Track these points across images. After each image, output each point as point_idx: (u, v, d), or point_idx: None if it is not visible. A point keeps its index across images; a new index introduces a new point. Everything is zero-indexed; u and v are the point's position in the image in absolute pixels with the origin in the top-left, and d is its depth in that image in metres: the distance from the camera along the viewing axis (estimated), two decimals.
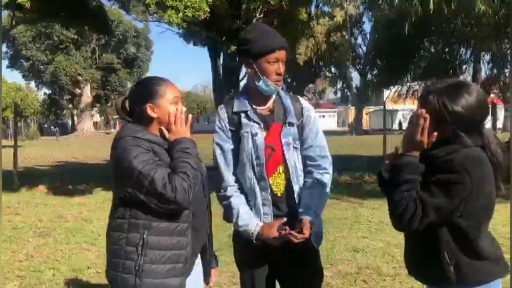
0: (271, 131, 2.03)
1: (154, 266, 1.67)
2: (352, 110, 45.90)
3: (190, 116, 1.82)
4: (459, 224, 1.56)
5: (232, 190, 2.04)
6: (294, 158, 2.02)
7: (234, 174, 2.05)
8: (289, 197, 2.03)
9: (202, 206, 1.90)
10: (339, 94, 45.08)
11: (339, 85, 42.62)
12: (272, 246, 1.96)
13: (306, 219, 1.95)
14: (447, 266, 1.57)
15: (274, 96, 2.07)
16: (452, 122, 1.56)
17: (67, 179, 9.83)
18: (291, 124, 2.03)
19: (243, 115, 2.02)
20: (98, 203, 7.56)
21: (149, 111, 1.77)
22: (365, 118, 43.94)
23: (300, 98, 2.16)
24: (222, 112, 2.08)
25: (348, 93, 42.14)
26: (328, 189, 2.08)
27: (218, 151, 2.06)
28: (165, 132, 1.79)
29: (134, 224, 1.69)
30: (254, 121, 2.01)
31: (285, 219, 1.98)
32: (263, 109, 2.05)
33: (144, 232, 1.67)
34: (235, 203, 2.02)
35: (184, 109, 1.81)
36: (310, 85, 46.46)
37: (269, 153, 2.00)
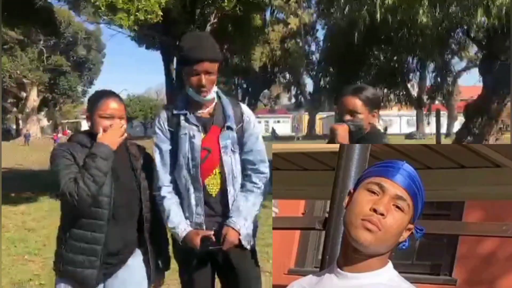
0: (209, 133, 2.08)
1: (70, 255, 1.90)
2: (306, 116, 46.76)
3: (123, 127, 1.99)
4: None
5: (165, 190, 2.09)
6: (231, 161, 2.08)
7: (171, 174, 2.10)
8: (223, 198, 2.09)
9: (132, 198, 2.01)
10: (293, 100, 45.80)
11: (294, 91, 43.34)
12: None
13: (229, 229, 2.02)
14: None
15: (214, 101, 2.12)
16: None
17: (11, 187, 9.32)
18: (229, 128, 2.08)
19: (182, 117, 2.08)
20: (44, 211, 7.23)
21: (87, 120, 2.01)
22: (318, 123, 44.90)
23: (240, 103, 2.22)
24: (163, 113, 2.16)
25: (302, 99, 42.92)
26: (263, 194, 2.14)
27: (156, 152, 2.12)
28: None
29: (65, 218, 1.97)
30: (193, 124, 2.07)
31: (211, 232, 2.03)
32: (202, 112, 2.10)
33: (68, 225, 1.92)
34: (166, 204, 2.08)
35: (123, 124, 1.98)
36: (265, 91, 46.91)
37: (205, 155, 2.05)
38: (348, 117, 1.99)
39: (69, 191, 1.79)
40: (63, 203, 1.94)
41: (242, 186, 2.12)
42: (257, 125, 2.21)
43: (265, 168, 2.15)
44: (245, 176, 2.14)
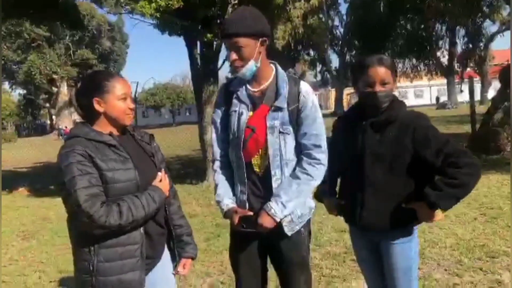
0: (257, 112, 2.02)
1: (107, 264, 1.70)
2: (332, 92, 46.03)
3: (160, 173, 1.88)
4: None
5: (217, 164, 2.14)
6: (278, 142, 1.99)
7: (225, 149, 2.12)
8: (266, 180, 2.02)
9: None
10: (319, 77, 45.10)
11: (319, 68, 42.61)
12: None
13: (263, 213, 1.97)
14: None
15: (271, 78, 2.04)
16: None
17: (49, 180, 9.64)
18: (279, 109, 1.99)
19: (235, 94, 2.07)
20: None
21: (96, 105, 1.77)
22: (346, 99, 44.18)
23: (301, 82, 2.06)
24: (221, 89, 2.18)
25: (328, 76, 42.21)
26: (315, 181, 2.01)
27: (213, 126, 2.16)
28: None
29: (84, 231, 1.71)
30: (243, 101, 2.04)
31: (250, 212, 2.00)
32: (255, 91, 2.05)
33: (92, 236, 1.69)
34: (216, 178, 2.12)
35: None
36: (290, 69, 46.38)
37: (249, 134, 2.01)
38: (381, 88, 1.94)
39: (93, 212, 1.60)
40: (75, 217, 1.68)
41: (294, 170, 2.01)
42: (316, 107, 2.03)
43: (318, 153, 1.99)
44: (298, 161, 2.02)
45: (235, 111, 2.04)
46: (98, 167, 1.68)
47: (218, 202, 2.08)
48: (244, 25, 1.92)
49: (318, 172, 2.00)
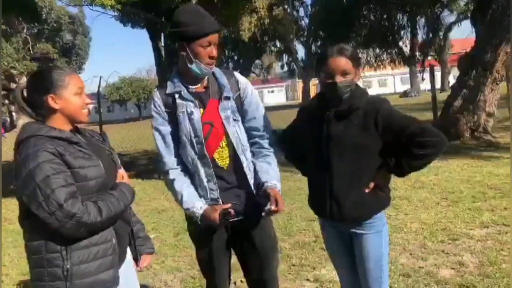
0: (207, 107, 2.03)
1: (83, 266, 1.62)
2: (300, 83, 46.34)
3: (120, 171, 1.84)
4: None
5: (174, 173, 2.06)
6: (236, 130, 2.05)
7: (176, 155, 2.06)
8: (236, 168, 2.05)
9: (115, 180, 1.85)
10: (286, 68, 45.26)
11: (285, 59, 42.76)
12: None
13: (274, 190, 1.99)
14: None
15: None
16: None
17: (8, 179, 9.27)
18: (227, 98, 2.04)
19: (177, 95, 2.02)
20: None
21: (51, 102, 1.69)
22: (313, 89, 44.60)
23: (234, 72, 2.17)
24: (156, 95, 2.08)
25: (295, 66, 42.46)
26: (276, 155, 2.15)
27: (157, 136, 2.06)
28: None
29: (51, 235, 1.60)
30: (189, 100, 2.01)
31: (229, 205, 2.00)
32: (197, 87, 2.05)
33: (61, 239, 1.60)
34: (177, 186, 2.05)
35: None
36: (257, 61, 46.31)
37: (209, 129, 2.02)
38: (341, 78, 1.93)
39: (77, 210, 1.54)
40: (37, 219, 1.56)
41: (256, 153, 2.12)
42: (255, 92, 2.17)
43: (270, 132, 2.15)
44: (254, 144, 2.13)
45: (183, 112, 2.00)
46: (70, 165, 1.61)
47: (188, 209, 2.02)
48: (216, 21, 1.97)
49: (275, 148, 2.16)
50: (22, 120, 42.25)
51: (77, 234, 1.58)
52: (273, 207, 1.90)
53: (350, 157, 1.96)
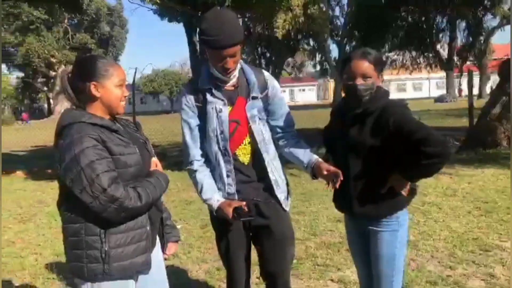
0: (235, 105, 2.10)
1: (120, 249, 1.68)
2: (331, 83, 45.91)
3: (154, 159, 1.89)
4: None
5: (197, 164, 2.14)
6: (260, 129, 2.13)
7: (201, 148, 2.14)
8: (256, 164, 2.14)
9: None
10: (318, 67, 44.87)
11: (318, 58, 42.37)
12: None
13: (321, 162, 2.08)
14: None
15: (237, 72, 2.09)
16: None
17: (46, 164, 9.63)
18: (255, 98, 2.11)
19: (207, 92, 2.08)
20: None
21: (93, 90, 1.73)
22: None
23: (263, 71, 2.22)
24: (188, 88, 2.16)
25: (327, 66, 42.04)
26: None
27: (185, 128, 2.14)
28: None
29: (92, 218, 1.66)
30: (218, 98, 2.07)
31: (243, 202, 2.05)
32: (227, 86, 2.10)
33: (101, 222, 1.65)
34: (199, 177, 2.13)
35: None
36: (289, 59, 46.14)
37: (234, 127, 2.09)
38: (361, 81, 1.98)
39: (120, 195, 1.59)
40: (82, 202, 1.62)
41: (285, 146, 2.20)
42: (281, 90, 2.26)
43: (294, 129, 2.25)
44: (280, 139, 2.21)
45: (212, 108, 2.06)
46: (111, 152, 1.66)
47: (206, 200, 2.11)
48: (238, 33, 1.94)
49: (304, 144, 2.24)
50: (60, 107, 43.64)
51: (118, 218, 1.65)
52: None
53: (364, 159, 2.02)
